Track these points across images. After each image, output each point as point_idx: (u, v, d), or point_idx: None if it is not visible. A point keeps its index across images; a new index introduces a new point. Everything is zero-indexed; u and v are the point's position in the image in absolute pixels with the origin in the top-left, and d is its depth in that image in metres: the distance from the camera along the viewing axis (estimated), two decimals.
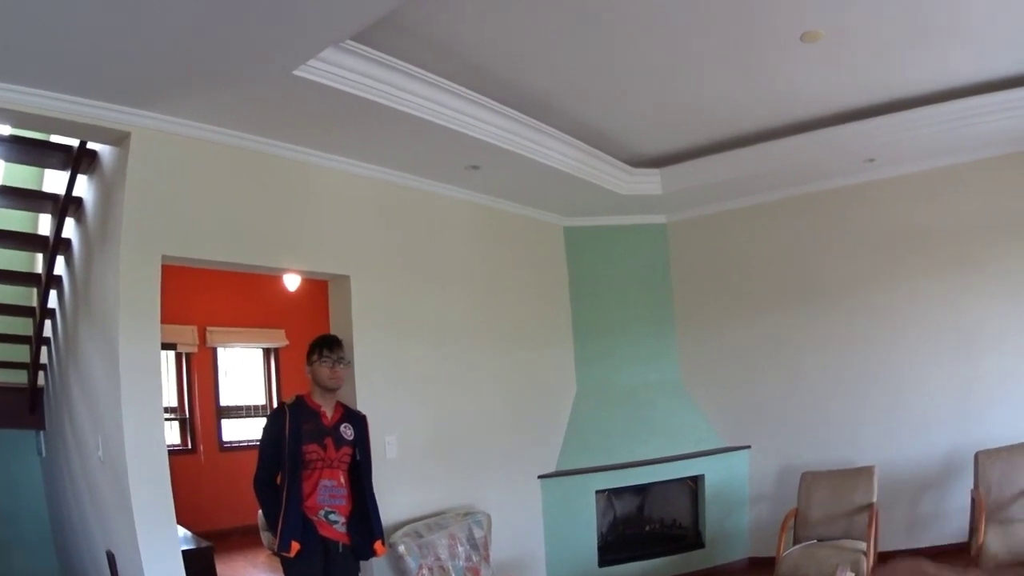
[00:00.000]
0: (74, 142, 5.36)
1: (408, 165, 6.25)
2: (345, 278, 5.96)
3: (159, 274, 4.84)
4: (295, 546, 4.47)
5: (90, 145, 5.35)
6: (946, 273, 7.26)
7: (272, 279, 8.89)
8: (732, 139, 7.09)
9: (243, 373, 11.80)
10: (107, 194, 5.12)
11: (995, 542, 5.66)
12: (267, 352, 11.92)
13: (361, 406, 5.46)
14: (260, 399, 11.79)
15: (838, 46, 5.29)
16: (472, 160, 6.16)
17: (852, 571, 5.45)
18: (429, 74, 5.02)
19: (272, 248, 5.53)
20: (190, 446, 10.94)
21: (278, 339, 11.71)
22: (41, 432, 7.49)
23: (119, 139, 4.84)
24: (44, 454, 7.55)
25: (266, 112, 4.99)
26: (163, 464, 4.77)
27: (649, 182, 7.62)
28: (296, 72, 4.35)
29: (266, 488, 4.68)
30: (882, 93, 6.24)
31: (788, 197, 7.95)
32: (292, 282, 8.65)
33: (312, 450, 4.65)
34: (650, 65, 5.43)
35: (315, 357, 4.84)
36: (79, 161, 5.40)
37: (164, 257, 4.87)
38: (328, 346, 4.88)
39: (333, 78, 4.54)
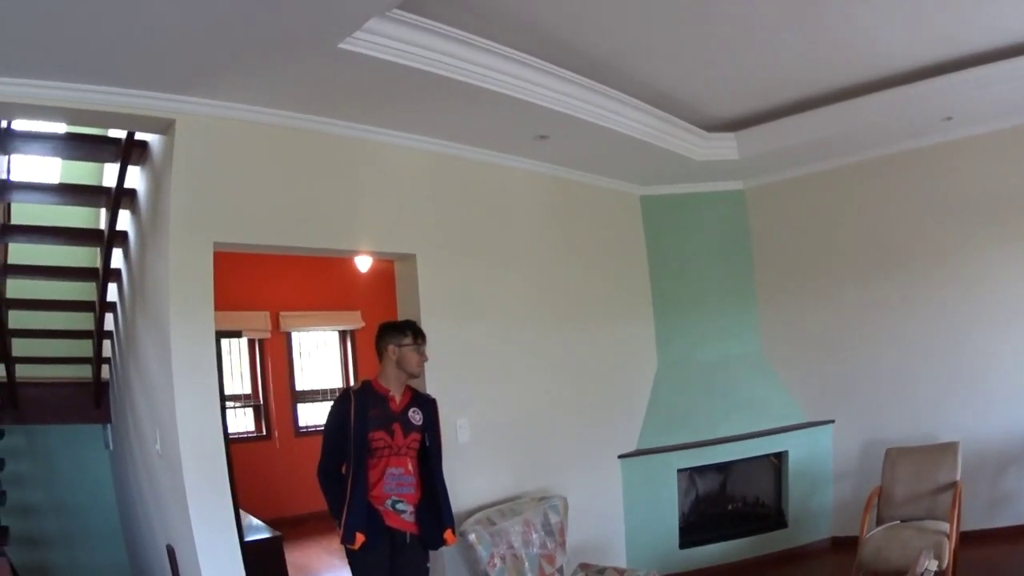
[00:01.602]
0: (123, 134, 5.28)
1: (471, 137, 6.04)
2: (411, 257, 5.81)
3: (211, 261, 4.74)
4: (360, 537, 4.38)
5: (140, 136, 5.27)
6: None
7: (343, 261, 8.78)
8: (808, 100, 6.78)
9: (320, 357, 11.79)
10: (157, 183, 5.05)
11: None
12: (343, 335, 11.89)
13: (431, 389, 5.29)
14: (337, 382, 11.78)
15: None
16: (539, 130, 5.93)
17: (935, 555, 5.18)
18: (484, 40, 4.78)
19: (330, 229, 5.40)
20: (265, 432, 10.98)
21: (354, 321, 11.65)
22: (108, 426, 7.56)
23: (165, 127, 4.77)
24: (111, 447, 7.62)
25: (314, 89, 4.83)
26: (220, 457, 4.68)
27: (725, 147, 7.34)
28: (342, 45, 4.16)
29: (330, 478, 4.60)
30: (961, 47, 5.90)
31: (865, 160, 7.62)
32: (364, 263, 8.52)
33: (379, 437, 4.54)
34: (720, 22, 5.16)
35: (407, 341, 4.72)
36: (128, 152, 5.32)
37: (216, 244, 4.78)
38: (420, 333, 4.81)
39: (382, 49, 4.34)
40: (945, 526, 5.85)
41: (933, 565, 3.81)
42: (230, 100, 4.82)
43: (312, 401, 11.41)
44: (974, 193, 7.14)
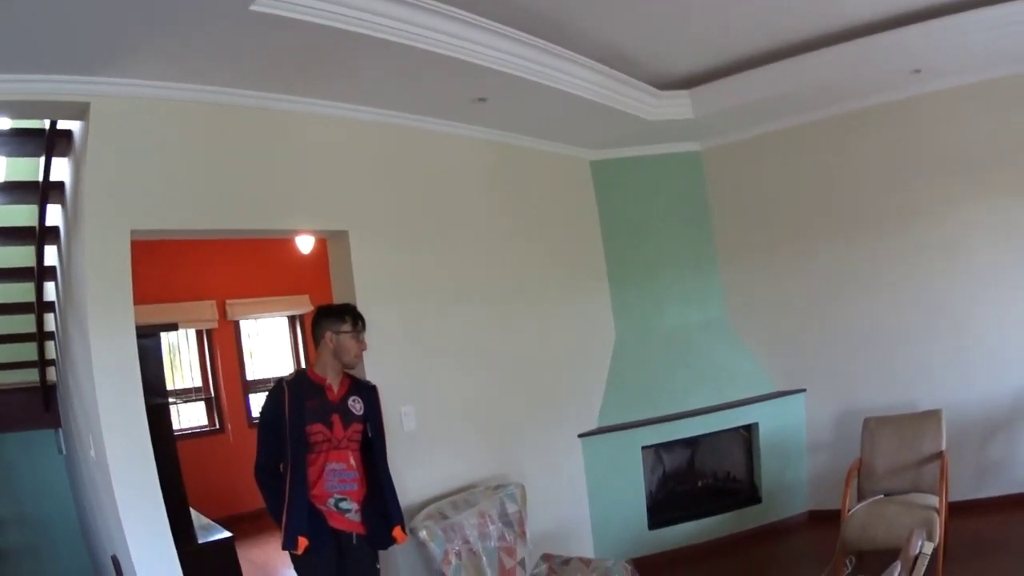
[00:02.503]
0: (47, 124, 4.96)
1: (404, 104, 5.60)
2: (343, 234, 5.39)
3: (128, 250, 4.37)
4: (302, 542, 4.07)
5: (65, 125, 4.88)
6: (1012, 197, 6.69)
7: (287, 244, 8.52)
8: (767, 53, 6.45)
9: (269, 344, 11.50)
10: (77, 173, 4.69)
11: None
12: (292, 320, 11.58)
13: (371, 376, 4.95)
14: (289, 370, 11.29)
15: None
16: (478, 92, 5.49)
17: (927, 533, 4.85)
18: None
19: (255, 209, 4.99)
20: (217, 426, 10.68)
21: (302, 305, 11.29)
22: (59, 430, 7.37)
23: (81, 111, 4.42)
24: (64, 452, 7.46)
25: (231, 60, 4.41)
26: (148, 461, 4.30)
27: (679, 105, 6.96)
28: (254, 7, 3.74)
29: (268, 477, 4.31)
30: None
31: (829, 116, 7.32)
32: (305, 244, 8.11)
33: (317, 430, 4.24)
34: None
35: (345, 328, 4.42)
36: (52, 143, 4.94)
37: (135, 232, 4.42)
38: (360, 318, 4.53)
39: (298, 10, 3.90)
40: (933, 499, 5.57)
41: (928, 548, 3.47)
42: (145, 78, 4.43)
43: (264, 391, 10.84)
44: (946, 149, 6.92)
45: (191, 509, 6.06)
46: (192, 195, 4.68)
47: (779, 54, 6.44)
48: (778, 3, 5.55)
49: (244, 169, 4.91)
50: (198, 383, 10.63)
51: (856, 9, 5.78)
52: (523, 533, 5.46)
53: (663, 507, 7.39)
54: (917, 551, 3.49)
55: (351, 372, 4.57)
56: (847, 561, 5.59)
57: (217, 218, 4.81)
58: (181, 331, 10.29)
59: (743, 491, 7.57)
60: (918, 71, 6.52)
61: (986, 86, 6.72)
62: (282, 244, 8.93)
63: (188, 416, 10.45)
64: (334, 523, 4.23)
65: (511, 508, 5.45)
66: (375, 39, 4.30)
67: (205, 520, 6.66)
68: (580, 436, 6.96)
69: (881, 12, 5.84)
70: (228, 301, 10.68)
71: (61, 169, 5.24)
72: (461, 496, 5.42)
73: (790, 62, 6.44)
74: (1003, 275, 6.74)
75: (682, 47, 6.20)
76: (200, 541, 5.77)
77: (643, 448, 7.20)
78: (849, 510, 5.66)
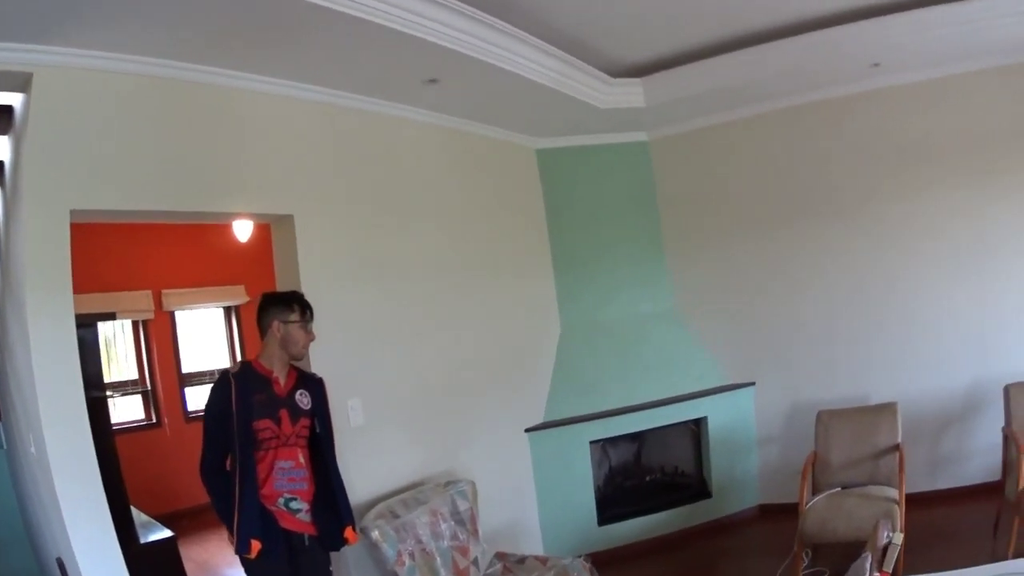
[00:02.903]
0: None
1: (354, 84, 5.38)
2: (288, 218, 5.14)
3: (67, 231, 4.09)
4: (256, 545, 3.85)
5: (6, 100, 4.52)
6: (964, 189, 6.78)
7: (223, 231, 8.22)
8: (724, 43, 6.38)
9: (205, 336, 11.17)
10: (17, 149, 4.40)
11: None
12: (227, 311, 11.26)
13: (316, 368, 4.70)
14: (224, 362, 11.10)
15: None
16: (430, 72, 5.30)
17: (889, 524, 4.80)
18: None
19: (199, 190, 4.71)
20: (154, 420, 10.34)
21: (237, 296, 11.01)
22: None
23: (23, 83, 4.10)
24: (5, 446, 7.00)
25: (177, 30, 4.15)
26: (90, 456, 4.03)
27: (631, 93, 6.85)
28: None
29: (215, 476, 4.04)
30: None
31: (787, 107, 7.28)
32: (243, 232, 7.82)
33: (265, 426, 4.01)
34: None
35: (293, 317, 4.20)
36: None
37: (74, 212, 4.12)
38: (308, 307, 4.31)
39: None
40: (891, 491, 5.56)
41: (898, 538, 3.41)
42: (91, 48, 4.14)
43: (200, 384, 10.77)
44: (900, 143, 6.94)
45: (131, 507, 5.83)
46: (135, 174, 4.40)
47: (736, 44, 6.37)
48: None
49: (189, 148, 4.65)
50: (134, 376, 10.28)
51: (815, 1, 5.74)
52: (475, 531, 5.31)
53: (612, 502, 7.29)
54: (886, 541, 3.45)
55: (297, 364, 4.35)
56: (804, 554, 5.56)
57: (160, 199, 4.53)
58: (116, 322, 9.99)
59: (693, 485, 7.50)
60: (877, 65, 6.50)
61: (943, 82, 6.76)
62: (219, 231, 8.63)
63: (124, 410, 10.12)
64: (285, 524, 4.01)
65: (462, 506, 5.31)
66: (324, 9, 4.06)
67: (145, 517, 6.50)
68: (527, 431, 6.82)
69: (841, 5, 5.80)
70: (164, 291, 10.36)
71: (2, 148, 4.94)
72: (411, 494, 5.23)
73: (746, 52, 6.38)
74: (955, 268, 6.77)
75: (637, 34, 6.08)
76: (142, 541, 5.60)
77: (591, 443, 7.08)
78: (806, 503, 5.60)
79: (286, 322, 4.16)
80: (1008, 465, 5.62)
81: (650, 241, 7.83)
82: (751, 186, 7.49)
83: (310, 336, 4.26)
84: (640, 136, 7.84)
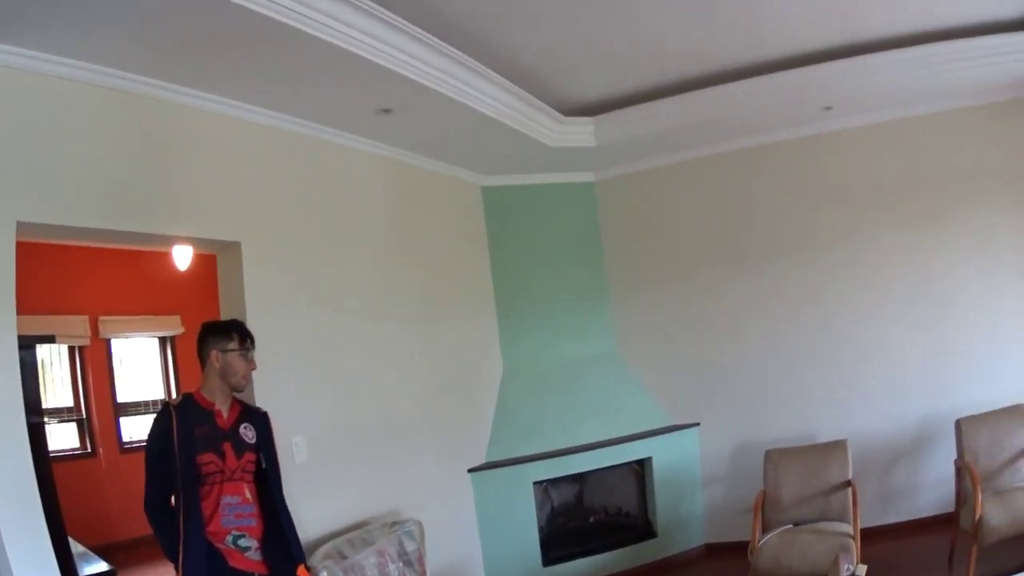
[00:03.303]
0: None
1: (309, 111, 5.29)
2: (235, 245, 4.96)
3: (12, 243, 3.84)
4: None
5: None
6: (911, 231, 6.97)
7: (162, 259, 8.03)
8: (678, 84, 6.45)
9: (140, 366, 10.87)
10: None
11: (996, 514, 5.24)
12: (163, 341, 10.99)
13: (261, 402, 4.54)
14: (159, 394, 10.86)
15: None
16: (384, 101, 5.23)
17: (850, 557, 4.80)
18: None
19: (147, 210, 4.49)
20: (89, 449, 10.00)
21: (174, 326, 10.76)
22: None
23: None
24: None
25: (133, 40, 3.98)
26: (32, 488, 3.79)
27: (582, 132, 6.88)
28: None
29: (160, 513, 3.84)
30: (844, 34, 5.78)
31: (738, 149, 7.39)
32: (183, 259, 7.57)
33: (209, 460, 3.84)
34: None
35: (232, 345, 4.03)
36: None
37: (21, 224, 3.86)
38: (248, 335, 4.15)
39: None
40: (844, 527, 5.59)
41: (861, 570, 3.39)
42: (39, 49, 3.93)
43: (135, 414, 10.52)
44: (855, 184, 7.07)
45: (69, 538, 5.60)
46: (83, 188, 4.18)
47: (690, 86, 6.44)
48: (693, 34, 5.55)
49: (139, 165, 4.45)
50: (69, 403, 9.95)
51: (771, 44, 5.84)
52: (423, 573, 5.18)
53: (556, 543, 7.21)
54: (847, 574, 3.43)
55: (240, 397, 4.20)
56: None
57: (108, 216, 4.30)
58: (52, 347, 9.70)
59: (637, 526, 7.45)
60: (829, 108, 6.60)
61: (895, 124, 6.91)
62: (158, 259, 8.44)
63: (59, 438, 9.77)
64: (234, 563, 3.83)
65: (410, 546, 5.17)
66: (279, 24, 3.91)
67: (82, 548, 6.18)
68: (469, 471, 6.73)
69: (796, 49, 5.90)
70: (101, 317, 10.09)
71: None
72: (357, 533, 5.07)
73: (700, 94, 6.46)
74: (901, 307, 6.91)
75: (592, 72, 6.11)
76: (82, 574, 5.30)
77: (534, 484, 7.01)
78: (758, 541, 5.57)
79: (224, 351, 4.01)
80: (963, 496, 5.70)
81: (594, 282, 7.83)
82: (697, 228, 7.54)
83: (251, 365, 4.12)
84: (587, 176, 7.87)
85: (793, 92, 6.24)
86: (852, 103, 6.59)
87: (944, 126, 6.83)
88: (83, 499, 8.66)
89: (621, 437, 7.28)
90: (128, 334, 10.47)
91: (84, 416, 9.99)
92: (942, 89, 6.43)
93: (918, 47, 5.87)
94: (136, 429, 10.34)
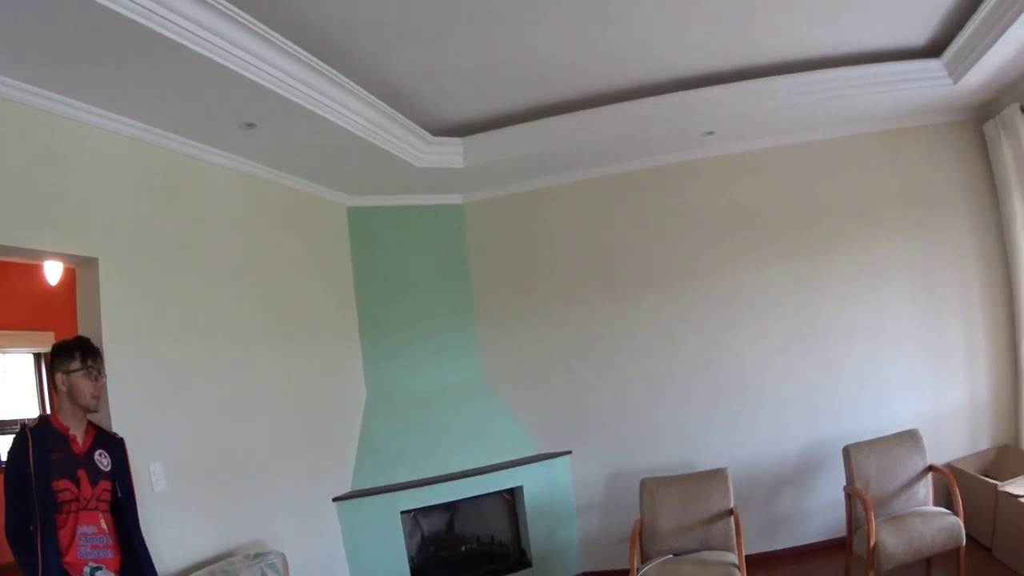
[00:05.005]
0: None
1: (170, 120, 5.01)
2: (93, 261, 4.66)
3: None
4: None
5: None
6: (797, 258, 7.04)
7: (33, 271, 7.75)
8: (552, 106, 6.40)
9: (14, 383, 10.35)
10: None
11: (891, 540, 5.26)
12: (37, 358, 10.42)
13: (117, 427, 4.31)
14: (35, 412, 10.26)
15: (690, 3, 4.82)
16: (248, 115, 5.02)
17: None
18: None
19: (11, 222, 4.18)
20: None
21: (47, 342, 10.03)
22: None
23: None
24: None
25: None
26: None
27: (450, 152, 6.76)
28: None
29: (21, 541, 3.62)
30: (734, 58, 5.82)
31: (613, 174, 7.41)
32: (53, 274, 7.28)
33: (64, 487, 3.68)
34: (467, 5, 4.62)
35: (75, 365, 3.88)
36: None
37: None
38: (92, 353, 4.01)
39: None
40: (727, 556, 5.54)
41: None
42: None
43: (10, 433, 9.74)
44: (728, 213, 7.16)
45: None
46: None
47: (565, 108, 6.39)
48: (572, 54, 5.49)
49: (1, 175, 4.15)
50: None
51: (654, 67, 5.82)
52: None
53: (427, 573, 7.09)
54: None
55: (94, 421, 4.01)
56: None
57: None
58: None
59: (511, 555, 7.34)
60: (711, 133, 6.62)
61: (786, 150, 7.01)
62: (29, 272, 8.15)
63: None
64: None
65: None
66: (137, 26, 3.68)
67: None
68: (335, 500, 6.53)
69: (676, 73, 5.90)
70: None
71: None
72: (219, 566, 4.80)
73: (574, 116, 6.43)
74: (781, 336, 6.99)
75: (463, 92, 6.02)
76: None
77: (402, 512, 6.83)
78: (637, 571, 5.47)
79: (68, 372, 3.86)
80: (855, 521, 5.70)
81: (461, 308, 7.72)
82: (569, 254, 7.51)
83: (98, 384, 3.95)
84: (455, 199, 7.77)
85: (672, 116, 6.24)
86: (738, 128, 6.63)
87: (837, 153, 6.97)
88: None
89: (490, 466, 7.15)
90: (3, 349, 9.99)
91: None
92: (835, 115, 6.54)
93: (815, 72, 5.97)
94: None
